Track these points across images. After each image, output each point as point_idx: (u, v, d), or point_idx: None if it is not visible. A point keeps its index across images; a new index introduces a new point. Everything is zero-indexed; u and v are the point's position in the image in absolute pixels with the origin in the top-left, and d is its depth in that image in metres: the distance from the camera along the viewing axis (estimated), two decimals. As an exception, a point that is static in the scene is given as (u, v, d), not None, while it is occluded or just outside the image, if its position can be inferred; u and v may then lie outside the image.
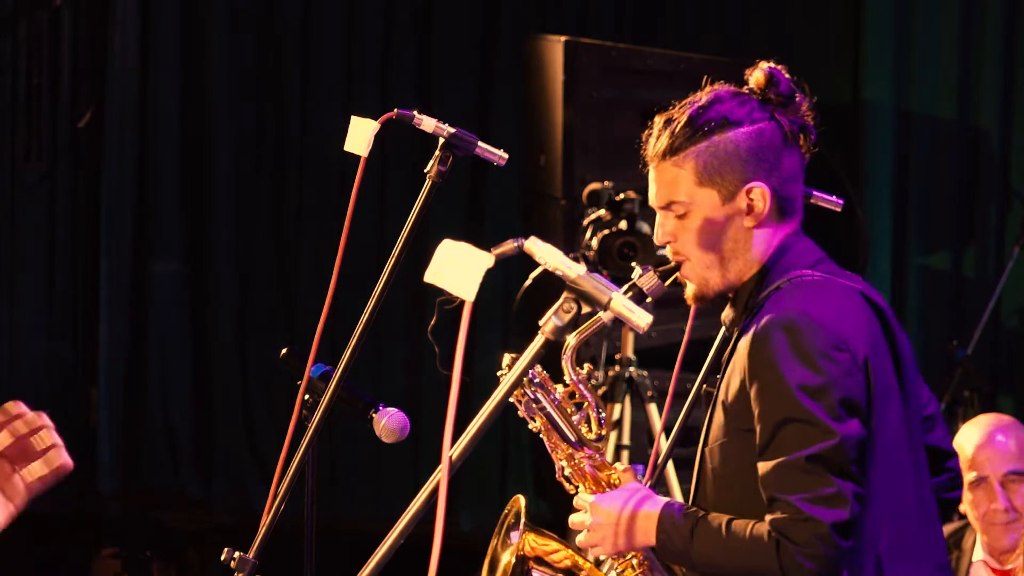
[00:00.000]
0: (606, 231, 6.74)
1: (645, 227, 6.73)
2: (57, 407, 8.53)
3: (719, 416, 3.24)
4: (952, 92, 8.55)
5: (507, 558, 3.33)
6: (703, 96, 3.32)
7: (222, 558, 3.49)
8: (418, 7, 8.73)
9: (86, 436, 8.59)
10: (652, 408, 6.78)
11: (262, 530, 3.46)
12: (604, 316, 2.59)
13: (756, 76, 3.32)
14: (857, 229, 8.30)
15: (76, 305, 8.59)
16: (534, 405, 3.31)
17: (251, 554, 3.46)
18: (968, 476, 4.70)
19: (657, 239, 3.35)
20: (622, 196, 6.76)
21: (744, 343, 3.18)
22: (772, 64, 3.34)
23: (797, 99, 3.32)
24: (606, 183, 6.85)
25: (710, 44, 8.52)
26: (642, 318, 2.55)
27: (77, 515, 8.38)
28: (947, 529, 4.89)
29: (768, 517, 3.08)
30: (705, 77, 3.38)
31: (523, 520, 3.34)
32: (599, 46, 8.24)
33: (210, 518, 8.48)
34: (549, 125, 7.88)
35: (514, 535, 3.34)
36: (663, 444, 3.67)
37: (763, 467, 3.10)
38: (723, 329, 3.53)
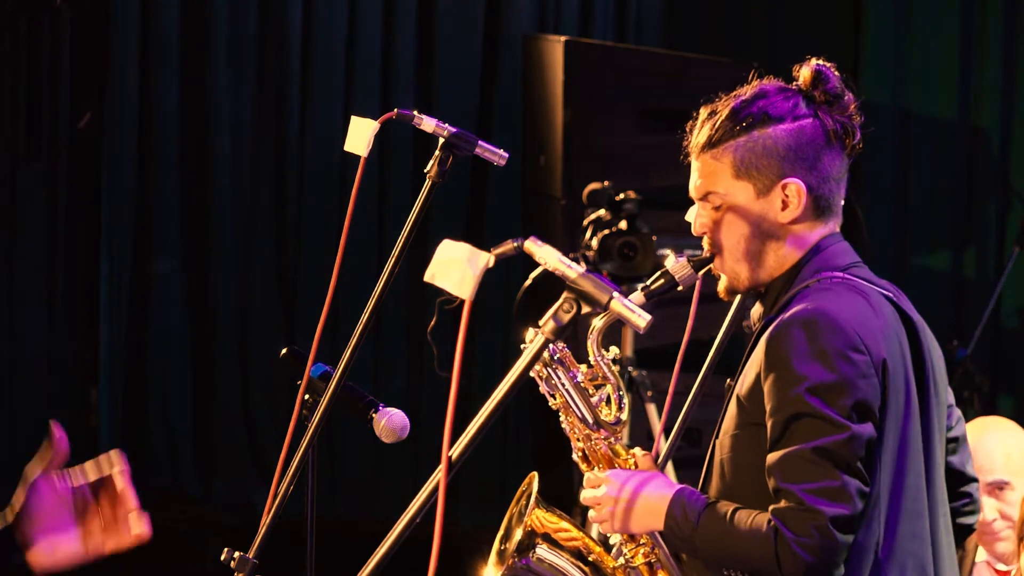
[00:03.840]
0: (606, 231, 6.74)
1: (645, 227, 6.73)
2: (57, 407, 8.53)
3: (733, 408, 3.25)
4: (952, 92, 8.55)
5: (519, 533, 3.34)
6: (748, 90, 3.31)
7: (222, 558, 3.48)
8: (418, 7, 8.73)
9: (86, 436, 8.59)
10: (652, 408, 6.79)
11: (262, 530, 3.46)
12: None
13: (803, 73, 3.31)
14: (857, 229, 8.31)
15: (76, 305, 8.59)
16: (554, 382, 3.30)
17: (251, 554, 3.46)
18: None
19: (693, 230, 3.35)
20: (622, 196, 6.76)
21: (764, 338, 3.18)
22: (822, 62, 3.33)
23: (845, 98, 3.31)
24: (606, 183, 6.85)
25: (710, 44, 8.52)
26: (642, 318, 2.55)
27: (77, 515, 8.37)
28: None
29: (771, 506, 3.08)
30: (752, 71, 3.37)
31: (534, 497, 3.34)
32: (599, 46, 8.25)
33: (210, 518, 8.47)
34: (549, 125, 7.89)
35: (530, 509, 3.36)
36: (663, 444, 3.67)
37: (771, 457, 3.11)
38: (725, 323, 3.53)
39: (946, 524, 3.29)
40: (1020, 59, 8.47)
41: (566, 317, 2.55)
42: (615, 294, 2.55)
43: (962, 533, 3.51)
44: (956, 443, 3.43)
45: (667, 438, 3.66)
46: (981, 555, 4.83)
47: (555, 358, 3.31)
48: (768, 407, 3.14)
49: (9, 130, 8.42)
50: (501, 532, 3.39)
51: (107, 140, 8.50)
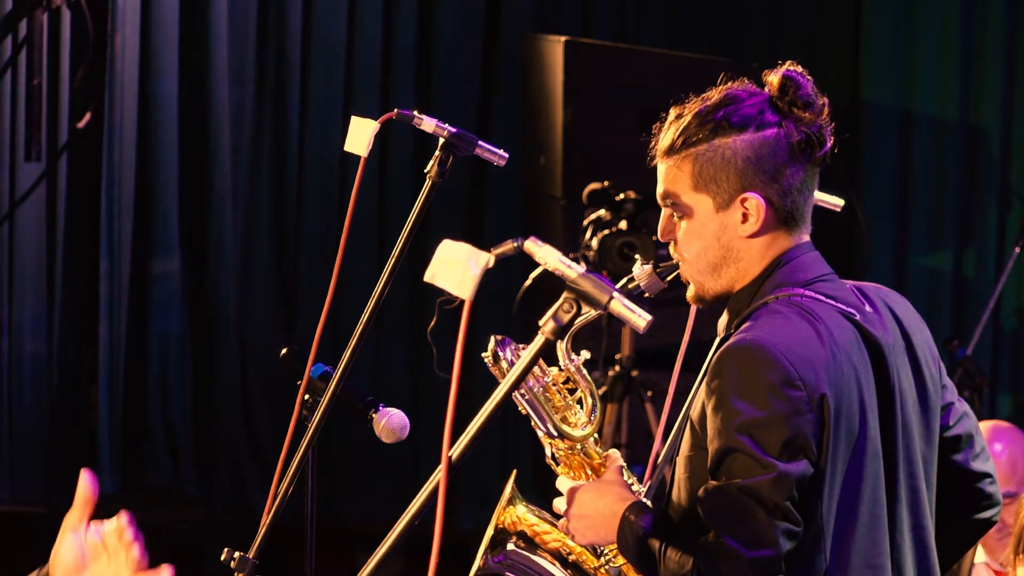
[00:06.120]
0: (606, 231, 6.74)
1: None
2: (57, 407, 8.53)
3: (687, 429, 3.22)
4: (952, 92, 8.56)
5: (492, 531, 3.33)
6: (716, 94, 3.24)
7: (222, 558, 3.48)
8: (418, 7, 8.73)
9: (86, 436, 8.59)
10: (651, 408, 6.79)
11: (262, 530, 3.46)
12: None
13: (771, 79, 3.23)
14: (857, 229, 8.31)
15: (76, 305, 8.59)
16: (518, 391, 3.27)
17: (251, 554, 3.46)
18: None
19: (659, 236, 3.31)
20: (622, 196, 6.76)
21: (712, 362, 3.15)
22: (793, 67, 3.25)
23: (816, 105, 3.23)
24: (606, 183, 6.85)
25: (710, 44, 8.53)
26: (642, 318, 2.54)
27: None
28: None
29: (699, 541, 3.06)
30: (723, 74, 3.31)
31: (507, 494, 3.33)
32: (599, 46, 8.24)
33: (210, 518, 8.47)
34: (549, 125, 7.89)
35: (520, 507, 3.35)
36: (663, 444, 3.66)
37: (701, 490, 3.08)
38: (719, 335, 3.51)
39: (917, 539, 3.23)
40: (1020, 59, 8.48)
41: (566, 317, 2.55)
42: (615, 294, 2.55)
43: (980, 528, 3.47)
44: (959, 441, 3.37)
45: (666, 438, 3.65)
46: (980, 556, 4.83)
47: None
48: (709, 435, 3.10)
49: (9, 130, 8.42)
50: (487, 534, 3.38)
51: (107, 140, 8.50)
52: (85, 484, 2.70)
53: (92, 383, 8.63)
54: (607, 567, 3.33)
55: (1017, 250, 7.81)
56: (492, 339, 3.28)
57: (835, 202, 3.49)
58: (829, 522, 3.10)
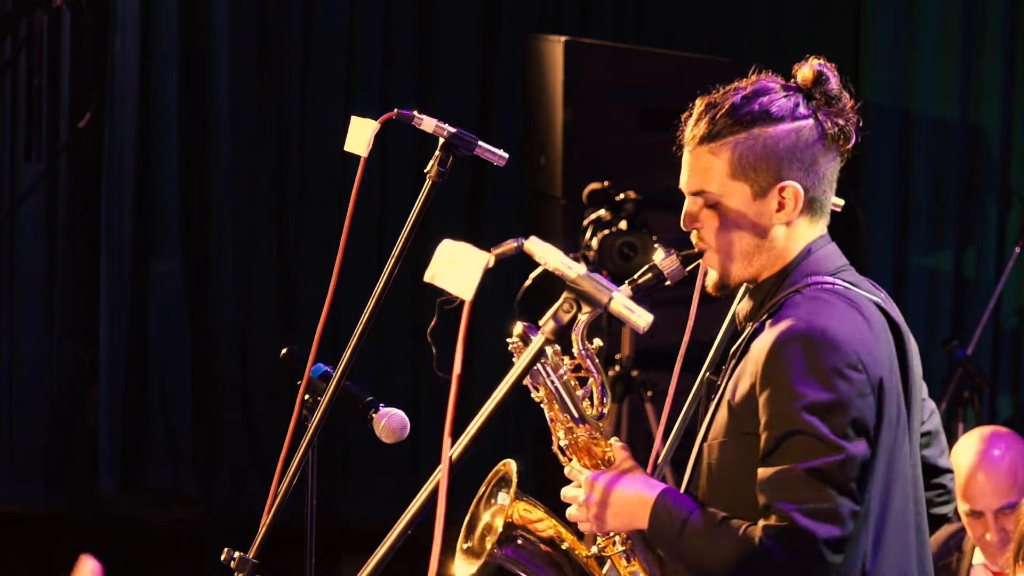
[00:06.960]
0: (606, 231, 6.75)
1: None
2: (57, 407, 8.53)
3: (723, 414, 3.21)
4: (952, 92, 8.56)
5: (487, 519, 3.32)
6: (748, 85, 3.26)
7: (222, 558, 3.49)
8: (419, 7, 8.73)
9: (86, 436, 8.59)
10: (651, 408, 6.79)
11: (262, 530, 3.46)
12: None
13: (804, 72, 3.28)
14: (857, 229, 8.31)
15: (76, 305, 8.59)
16: (541, 376, 3.26)
17: (251, 554, 3.46)
18: (962, 506, 4.69)
19: (683, 224, 3.31)
20: (622, 196, 6.76)
21: (759, 348, 3.14)
22: (822, 62, 3.30)
23: (844, 99, 3.29)
24: (606, 183, 6.85)
25: (710, 44, 8.53)
26: (642, 318, 2.54)
27: (77, 515, 8.39)
28: (948, 531, 4.88)
29: (761, 522, 3.06)
30: (753, 67, 3.33)
31: (514, 486, 3.33)
32: (599, 46, 8.24)
33: (210, 518, 8.47)
34: (549, 125, 7.89)
35: (501, 495, 3.34)
36: (663, 444, 3.66)
37: (763, 472, 3.08)
38: (725, 322, 3.51)
39: (917, 526, 3.26)
40: (1020, 59, 8.48)
41: (566, 317, 2.55)
42: (615, 294, 2.55)
43: (936, 523, 3.50)
44: (930, 436, 3.42)
45: (667, 438, 3.65)
46: (978, 557, 4.82)
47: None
48: (762, 420, 3.10)
49: (9, 130, 8.43)
50: (467, 519, 3.37)
51: (107, 140, 8.50)
52: (88, 571, 2.65)
53: (92, 383, 8.63)
54: (599, 557, 3.32)
55: (1017, 250, 7.81)
56: (520, 324, 3.26)
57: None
58: (875, 504, 3.13)
